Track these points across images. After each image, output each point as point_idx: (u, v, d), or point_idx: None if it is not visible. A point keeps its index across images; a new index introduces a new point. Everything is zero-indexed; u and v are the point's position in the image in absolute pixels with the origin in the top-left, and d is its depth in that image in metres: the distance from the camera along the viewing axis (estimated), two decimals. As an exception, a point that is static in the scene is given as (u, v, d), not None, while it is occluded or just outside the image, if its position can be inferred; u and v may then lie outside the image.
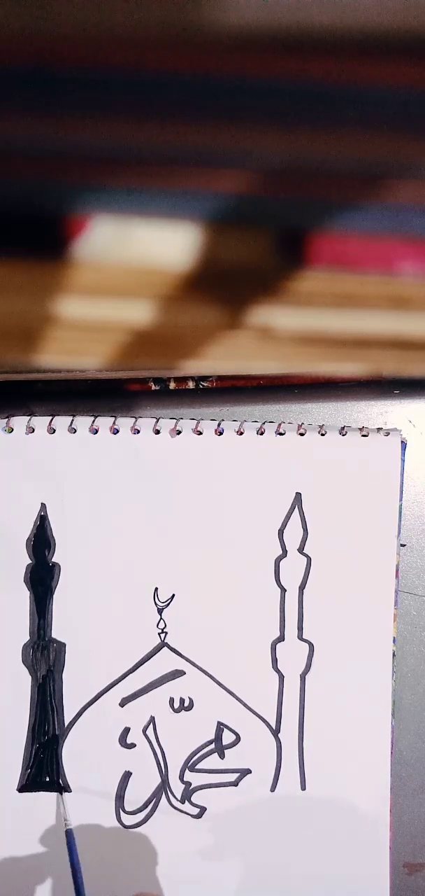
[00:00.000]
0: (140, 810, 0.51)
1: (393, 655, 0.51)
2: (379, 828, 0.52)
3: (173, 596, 0.50)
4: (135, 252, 0.22)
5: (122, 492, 0.49)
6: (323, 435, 0.50)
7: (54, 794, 0.49)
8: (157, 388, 0.51)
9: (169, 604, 0.50)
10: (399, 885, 0.54)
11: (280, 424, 0.49)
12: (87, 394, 0.50)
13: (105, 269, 0.23)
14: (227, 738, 0.51)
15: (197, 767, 0.51)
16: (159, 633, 0.50)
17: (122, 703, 0.50)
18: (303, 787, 0.52)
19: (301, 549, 0.50)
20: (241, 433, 0.49)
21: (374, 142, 0.20)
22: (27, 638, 0.49)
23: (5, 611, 0.49)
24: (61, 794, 0.49)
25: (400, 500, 0.51)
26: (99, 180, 0.20)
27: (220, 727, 0.51)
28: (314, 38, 0.17)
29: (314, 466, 0.50)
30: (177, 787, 0.51)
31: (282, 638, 0.51)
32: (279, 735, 0.51)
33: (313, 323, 0.25)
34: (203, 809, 0.51)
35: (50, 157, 0.19)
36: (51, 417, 0.48)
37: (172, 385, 0.51)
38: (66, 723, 0.49)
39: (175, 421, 0.49)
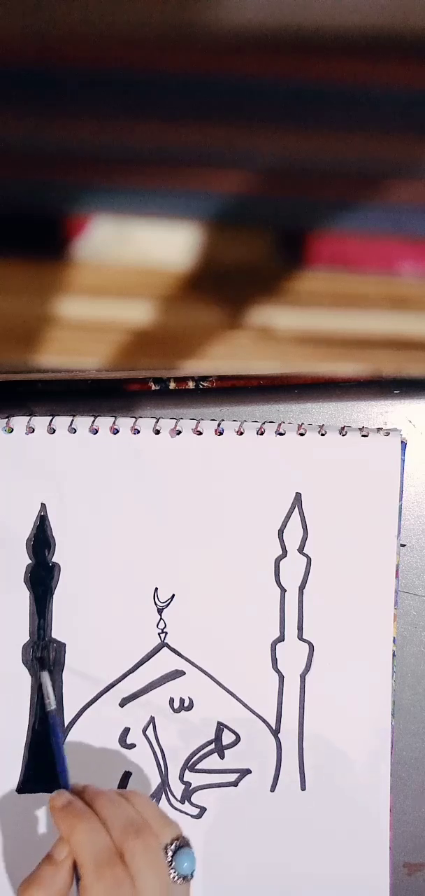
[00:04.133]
0: (140, 810, 0.51)
1: (393, 655, 0.51)
2: (379, 828, 0.52)
3: (173, 596, 0.50)
4: (135, 252, 0.22)
5: (122, 492, 0.49)
6: (323, 435, 0.50)
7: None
8: (157, 388, 0.50)
9: (169, 604, 0.50)
10: (399, 885, 0.54)
11: (280, 424, 0.49)
12: (87, 394, 0.50)
13: (105, 269, 0.23)
14: (227, 738, 0.51)
15: (197, 767, 0.51)
16: (159, 633, 0.50)
17: (122, 703, 0.50)
18: (303, 787, 0.52)
19: (301, 549, 0.50)
20: (241, 433, 0.49)
21: (374, 142, 0.20)
22: (27, 638, 0.49)
23: (5, 611, 0.49)
24: (45, 671, 0.48)
25: (400, 500, 0.51)
26: (99, 180, 0.20)
27: (220, 727, 0.51)
28: (314, 38, 0.17)
29: (314, 466, 0.50)
30: (177, 788, 0.51)
31: (282, 638, 0.51)
32: (279, 735, 0.51)
33: (313, 323, 0.25)
34: (203, 809, 0.51)
35: (50, 157, 0.19)
36: (51, 417, 0.48)
37: (172, 385, 0.51)
38: (66, 723, 0.49)
39: (175, 421, 0.49)
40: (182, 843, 0.41)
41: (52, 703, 0.47)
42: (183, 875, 0.40)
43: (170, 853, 0.40)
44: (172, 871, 0.40)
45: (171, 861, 0.40)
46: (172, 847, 0.40)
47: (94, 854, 0.38)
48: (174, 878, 0.40)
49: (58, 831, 0.40)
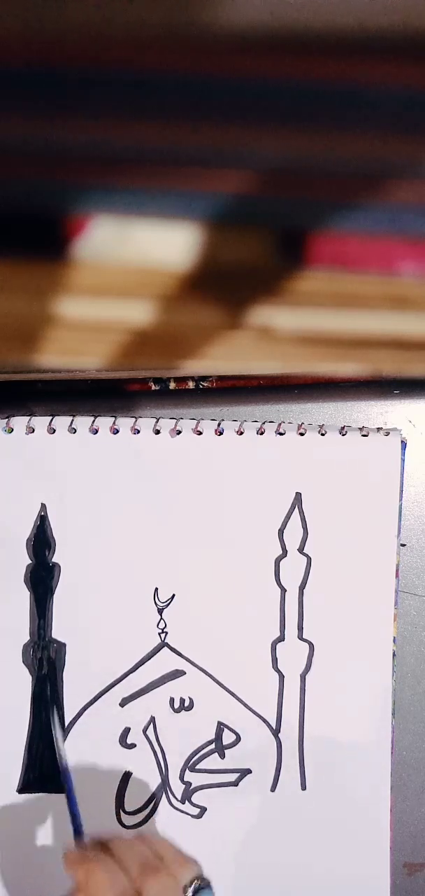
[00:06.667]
0: (140, 810, 0.51)
1: (393, 655, 0.51)
2: (379, 828, 0.52)
3: (173, 596, 0.50)
4: (135, 252, 0.22)
5: (122, 492, 0.49)
6: (323, 435, 0.50)
7: (55, 796, 0.49)
8: (157, 388, 0.51)
9: (169, 604, 0.50)
10: (399, 885, 0.54)
11: (280, 424, 0.49)
12: (87, 394, 0.50)
13: (105, 269, 0.23)
14: (227, 737, 0.51)
15: (197, 767, 0.51)
16: (159, 633, 0.50)
17: (122, 703, 0.50)
18: (303, 787, 0.52)
19: (301, 549, 0.50)
20: (241, 433, 0.49)
21: (374, 142, 0.20)
22: (27, 638, 0.49)
23: (5, 611, 0.49)
24: (62, 729, 0.48)
25: (400, 500, 0.51)
26: (99, 180, 0.20)
27: (220, 727, 0.51)
28: (314, 38, 0.17)
29: (314, 466, 0.50)
30: (178, 788, 0.51)
31: (282, 638, 0.51)
32: (279, 735, 0.51)
33: (313, 323, 0.25)
34: (203, 809, 0.51)
35: (50, 157, 0.19)
36: (51, 417, 0.48)
37: (172, 385, 0.51)
38: (67, 723, 0.49)
39: (175, 421, 0.49)
40: (202, 885, 0.40)
41: (63, 758, 0.47)
42: None
43: (189, 893, 0.39)
44: None
45: None
46: (191, 888, 0.40)
47: None
48: None
49: (73, 880, 0.39)
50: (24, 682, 0.49)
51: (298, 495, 0.50)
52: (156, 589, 0.49)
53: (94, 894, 0.38)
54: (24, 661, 0.49)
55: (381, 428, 0.50)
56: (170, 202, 0.21)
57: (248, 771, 0.51)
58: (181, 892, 0.39)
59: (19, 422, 0.47)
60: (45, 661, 0.49)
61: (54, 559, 0.49)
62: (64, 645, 0.49)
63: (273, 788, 0.52)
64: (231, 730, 0.51)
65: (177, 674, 0.50)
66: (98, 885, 0.38)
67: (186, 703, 0.50)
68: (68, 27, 0.16)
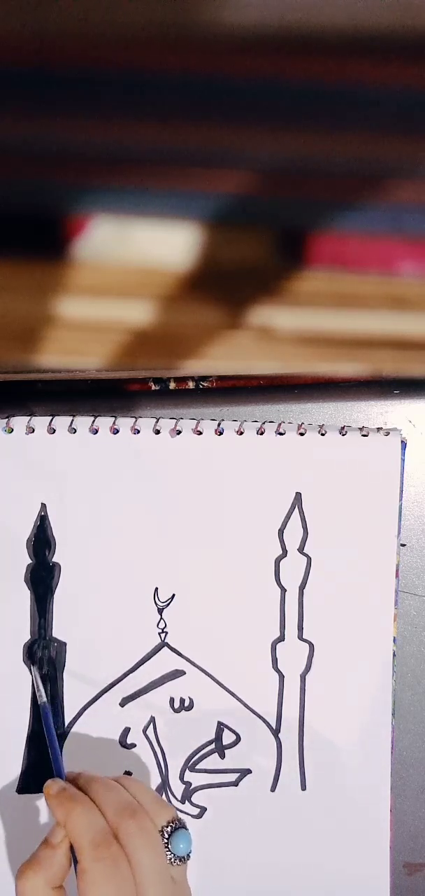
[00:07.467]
0: (140, 810, 0.51)
1: (394, 655, 0.51)
2: (379, 828, 0.52)
3: (173, 596, 0.50)
4: (135, 252, 0.22)
5: (122, 492, 0.49)
6: (323, 435, 0.50)
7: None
8: (157, 388, 0.51)
9: (169, 604, 0.50)
10: (399, 885, 0.54)
11: (280, 424, 0.49)
12: (87, 394, 0.50)
13: (105, 269, 0.23)
14: (227, 738, 0.51)
15: (197, 767, 0.51)
16: (159, 633, 0.50)
17: (122, 703, 0.50)
18: (303, 787, 0.52)
19: (301, 549, 0.50)
20: (241, 433, 0.49)
21: (374, 142, 0.20)
22: (28, 637, 0.49)
23: (5, 611, 0.49)
24: (35, 666, 0.48)
25: (400, 500, 0.51)
26: (99, 180, 0.20)
27: (220, 727, 0.51)
28: (314, 38, 0.17)
29: (314, 466, 0.50)
30: (178, 788, 0.51)
31: (282, 638, 0.51)
32: (279, 735, 0.51)
33: (313, 323, 0.25)
34: (203, 809, 0.51)
35: (50, 157, 0.19)
36: (51, 417, 0.48)
37: (172, 385, 0.51)
38: (67, 723, 0.49)
39: (175, 421, 0.49)
40: (178, 825, 0.41)
41: (42, 695, 0.47)
42: (179, 856, 0.41)
43: (166, 835, 0.41)
44: (168, 852, 0.40)
45: (167, 842, 0.40)
46: (168, 829, 0.41)
47: (90, 836, 0.38)
48: (171, 859, 0.40)
49: (54, 818, 0.41)
50: (24, 683, 0.49)
51: (298, 495, 0.50)
52: (156, 589, 0.49)
53: (73, 833, 0.39)
54: (24, 661, 0.49)
55: (381, 428, 0.50)
56: (170, 202, 0.21)
57: (248, 771, 0.51)
58: (158, 833, 0.40)
59: (19, 422, 0.47)
60: (46, 660, 0.49)
61: (54, 559, 0.49)
62: (64, 645, 0.49)
63: (273, 788, 0.52)
64: (231, 730, 0.51)
65: (177, 674, 0.50)
66: (76, 825, 0.39)
67: (186, 703, 0.50)
68: (67, 27, 0.16)
